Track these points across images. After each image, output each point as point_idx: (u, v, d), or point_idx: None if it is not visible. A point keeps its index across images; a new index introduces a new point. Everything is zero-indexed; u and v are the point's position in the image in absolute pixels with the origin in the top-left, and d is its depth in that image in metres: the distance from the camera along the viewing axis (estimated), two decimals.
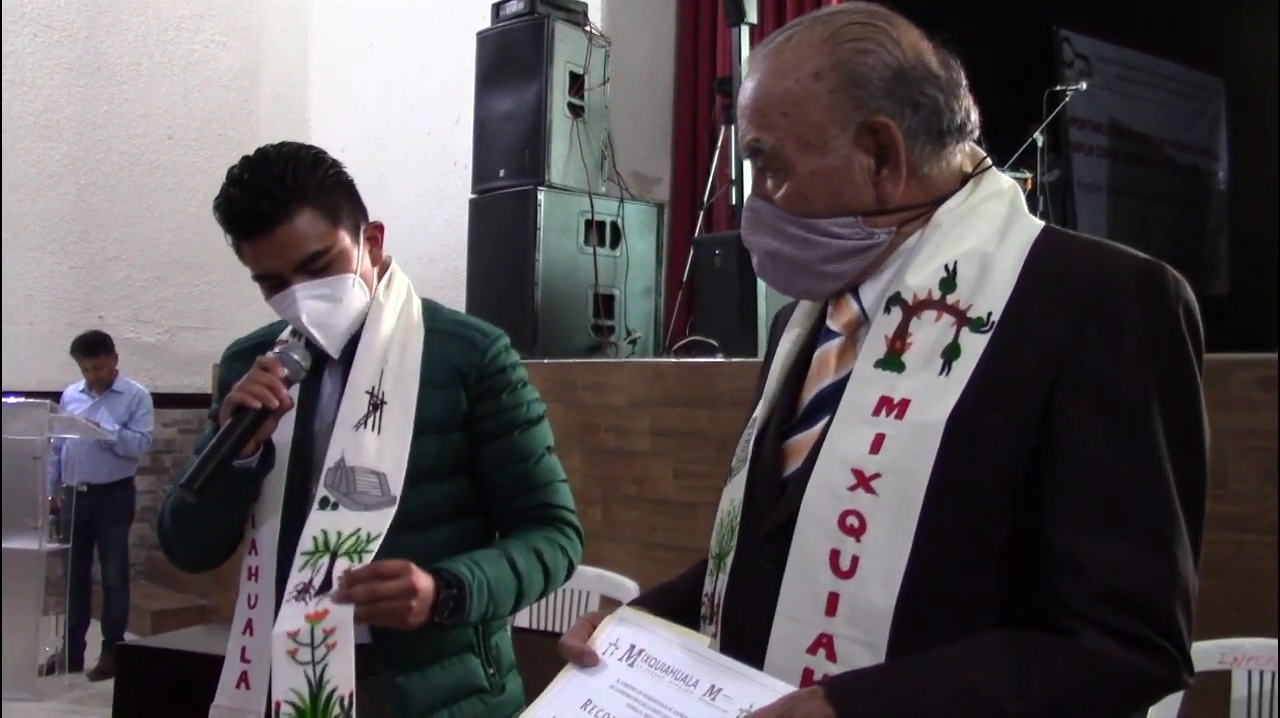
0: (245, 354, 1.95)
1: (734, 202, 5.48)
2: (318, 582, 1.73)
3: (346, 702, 1.69)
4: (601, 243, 5.64)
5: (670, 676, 1.21)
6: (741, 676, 1.18)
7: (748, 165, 4.72)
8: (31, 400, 5.95)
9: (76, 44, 7.88)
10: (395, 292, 1.92)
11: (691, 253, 5.50)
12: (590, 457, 4.52)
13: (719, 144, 5.81)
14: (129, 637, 5.99)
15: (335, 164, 1.86)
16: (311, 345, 1.86)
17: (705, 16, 6.68)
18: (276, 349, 1.83)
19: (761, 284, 4.76)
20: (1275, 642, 2.49)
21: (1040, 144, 6.16)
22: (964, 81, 1.27)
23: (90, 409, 6.26)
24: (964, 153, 1.29)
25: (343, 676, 1.68)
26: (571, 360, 5.06)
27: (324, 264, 1.80)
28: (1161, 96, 8.20)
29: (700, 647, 1.23)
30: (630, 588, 3.29)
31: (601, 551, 4.17)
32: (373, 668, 1.79)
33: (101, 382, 6.36)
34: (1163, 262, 1.18)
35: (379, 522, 1.77)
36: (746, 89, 1.29)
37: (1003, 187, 1.28)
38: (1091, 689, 1.08)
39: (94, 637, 6.34)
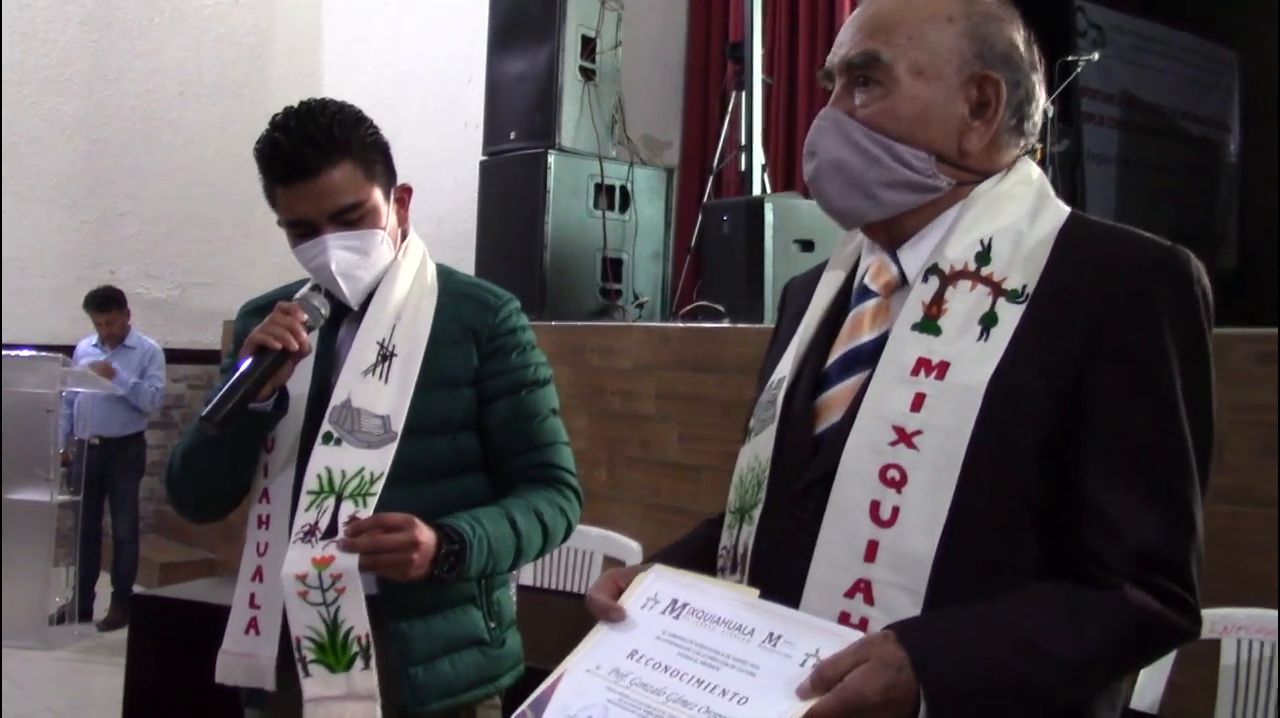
0: (261, 310, 1.99)
1: (743, 168, 5.49)
2: (324, 524, 1.78)
3: (364, 641, 1.75)
4: (610, 207, 5.66)
5: (722, 626, 1.23)
6: (800, 622, 1.20)
7: (757, 128, 4.65)
8: (43, 354, 6.01)
9: None
10: (411, 254, 1.97)
11: (700, 218, 5.52)
12: (597, 419, 4.56)
13: (729, 110, 5.82)
14: (137, 589, 6.07)
15: (374, 125, 1.92)
16: (331, 297, 1.92)
17: None
18: (297, 295, 1.89)
19: (769, 250, 4.78)
20: (1266, 612, 2.54)
21: (1051, 114, 6.15)
22: (1044, 97, 1.38)
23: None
24: (1019, 150, 1.37)
25: (357, 617, 1.75)
26: (579, 324, 5.10)
27: (357, 217, 1.85)
28: (1175, 68, 8.15)
29: (750, 598, 1.25)
30: (634, 549, 3.34)
31: (606, 512, 4.23)
32: (380, 620, 1.83)
33: (114, 337, 6.41)
34: (1183, 247, 1.26)
35: (381, 460, 1.82)
36: (868, 7, 1.35)
37: (1032, 175, 1.36)
38: (1132, 639, 1.18)
39: (103, 588, 6.43)
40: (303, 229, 1.85)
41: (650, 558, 1.42)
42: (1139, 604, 1.16)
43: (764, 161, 5.51)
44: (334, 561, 1.73)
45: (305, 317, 1.83)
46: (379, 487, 1.81)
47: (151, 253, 8.09)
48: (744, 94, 5.49)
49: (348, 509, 1.78)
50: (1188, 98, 8.24)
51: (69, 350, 6.41)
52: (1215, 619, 2.53)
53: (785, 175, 6.23)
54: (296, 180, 1.81)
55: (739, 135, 5.58)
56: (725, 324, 4.63)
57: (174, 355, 7.08)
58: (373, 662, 1.76)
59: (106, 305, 6.38)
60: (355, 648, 1.75)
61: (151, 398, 6.36)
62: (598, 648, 1.28)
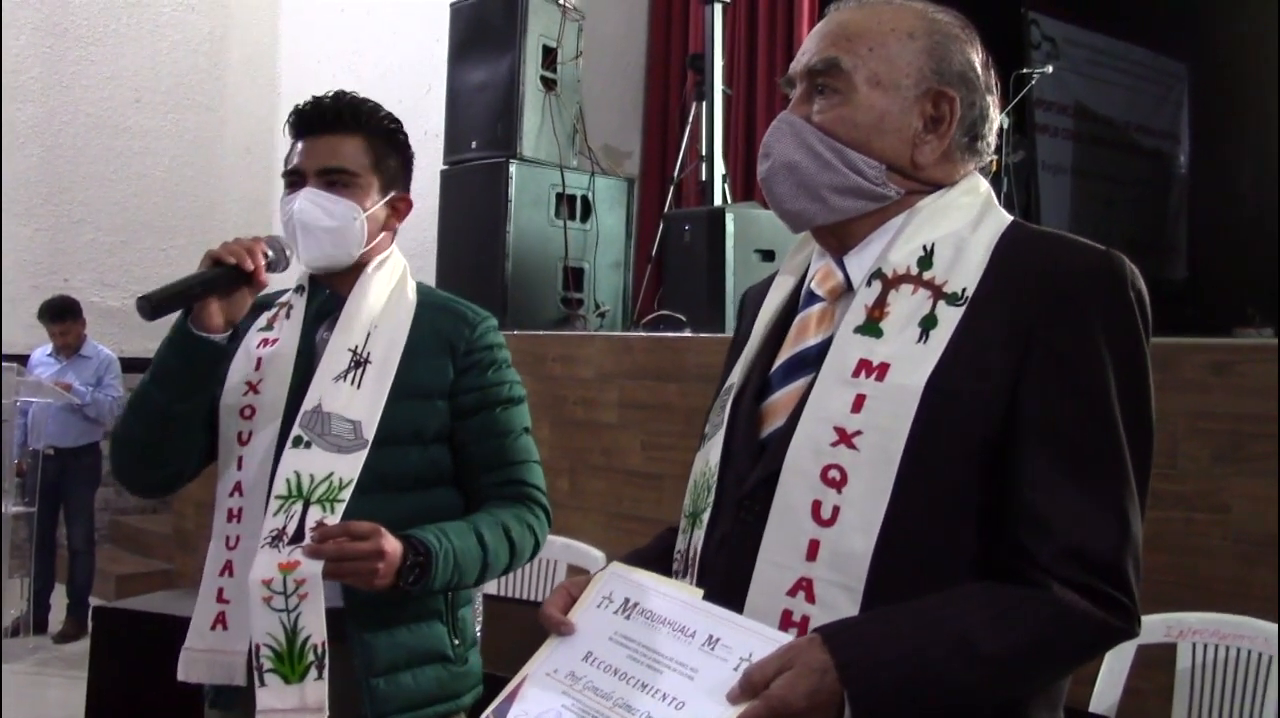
0: (255, 308, 2.00)
1: (704, 178, 5.52)
2: (291, 529, 1.78)
3: (320, 650, 1.75)
4: (572, 216, 5.67)
5: (668, 627, 1.25)
6: (738, 625, 1.22)
7: (718, 139, 4.68)
8: None
9: (44, 5, 7.80)
10: (389, 269, 1.99)
11: (661, 228, 5.54)
12: (559, 428, 4.57)
13: (690, 120, 5.85)
14: (98, 601, 5.99)
15: (407, 138, 2.02)
16: (314, 291, 1.96)
17: None
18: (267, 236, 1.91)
19: (730, 260, 4.81)
20: (1221, 616, 2.59)
21: (1006, 126, 6.22)
22: (998, 120, 1.43)
23: (58, 373, 6.23)
24: (971, 167, 1.41)
25: (315, 625, 1.75)
26: (541, 333, 5.10)
27: (342, 183, 1.90)
28: (1127, 81, 8.27)
29: (694, 599, 1.27)
30: (597, 557, 3.34)
31: (569, 520, 4.23)
32: (344, 632, 1.84)
33: (69, 347, 6.34)
34: (1118, 252, 1.28)
35: (351, 466, 1.83)
36: (833, 19, 1.39)
37: (979, 188, 1.39)
38: (1059, 636, 1.19)
39: (58, 600, 6.34)
40: (293, 180, 1.92)
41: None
42: (1067, 603, 1.18)
43: (724, 172, 5.55)
44: (299, 566, 1.73)
45: (269, 252, 1.85)
46: (348, 493, 1.81)
47: (107, 261, 8.01)
48: (704, 105, 5.53)
49: (315, 515, 1.79)
50: (1139, 110, 8.37)
51: (23, 360, 6.34)
52: (1171, 624, 2.58)
53: (745, 186, 6.27)
54: (309, 133, 1.92)
55: (699, 146, 5.62)
56: (687, 333, 4.65)
57: (130, 364, 6.98)
58: (325, 672, 1.75)
59: (62, 315, 6.30)
60: (311, 657, 1.75)
61: (110, 408, 6.29)
62: (557, 651, 1.30)
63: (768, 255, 4.94)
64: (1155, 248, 8.35)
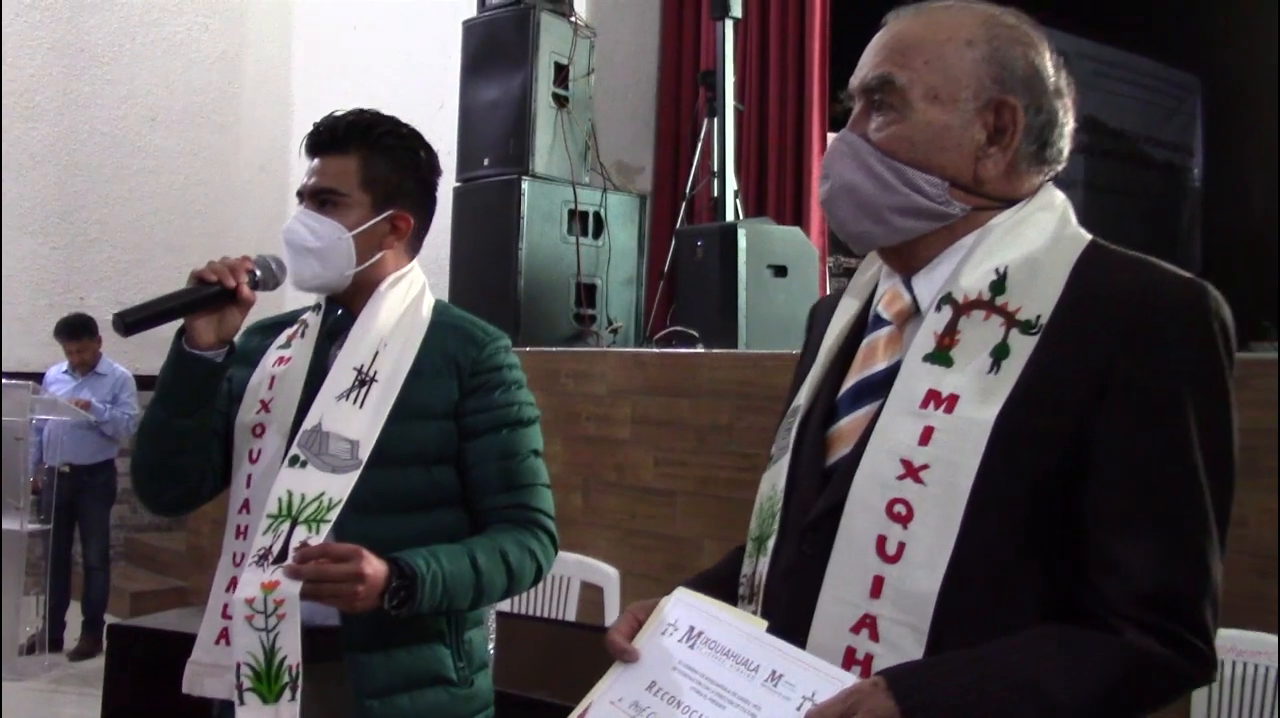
0: (265, 329, 2.00)
1: (716, 194, 5.53)
2: (276, 549, 1.77)
3: (294, 672, 1.74)
4: (584, 232, 5.67)
5: (731, 659, 1.23)
6: (801, 662, 1.20)
7: (730, 154, 4.67)
8: (13, 382, 5.95)
9: (59, 24, 7.86)
10: (404, 287, 1.98)
11: (673, 244, 5.55)
12: (571, 444, 4.57)
13: (702, 136, 5.86)
14: (112, 619, 6.01)
15: (428, 157, 2.00)
16: (330, 309, 1.97)
17: (690, 9, 6.71)
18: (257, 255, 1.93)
19: (742, 276, 4.81)
20: (1230, 631, 2.58)
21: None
22: (1073, 123, 1.35)
23: (74, 391, 6.27)
24: (1043, 177, 1.36)
25: (290, 647, 1.74)
26: (554, 349, 5.10)
27: (331, 203, 1.91)
28: (1138, 93, 8.28)
29: (758, 631, 1.25)
30: (611, 574, 3.35)
31: (582, 537, 4.23)
32: (338, 653, 1.83)
33: (85, 364, 6.37)
34: (1204, 281, 1.23)
35: (342, 486, 1.82)
36: (889, 30, 1.34)
37: (1055, 201, 1.35)
38: (1136, 684, 1.15)
39: (73, 617, 6.36)
40: (299, 199, 1.94)
41: (684, 584, 1.41)
42: (1141, 648, 1.14)
43: (736, 188, 5.55)
44: (279, 586, 1.73)
45: (257, 271, 1.86)
46: (335, 513, 1.81)
47: (122, 279, 8.05)
48: (716, 120, 5.54)
49: (300, 535, 1.78)
50: (1151, 122, 8.37)
51: (39, 377, 6.37)
52: None
53: (757, 201, 6.28)
54: (312, 154, 1.95)
55: (711, 162, 5.62)
56: (699, 349, 4.65)
57: (145, 382, 7.02)
58: (299, 694, 1.74)
59: (78, 333, 6.34)
60: (286, 678, 1.74)
61: (127, 425, 6.31)
62: (621, 678, 1.29)
63: (780, 271, 4.94)
64: (1168, 260, 8.33)
